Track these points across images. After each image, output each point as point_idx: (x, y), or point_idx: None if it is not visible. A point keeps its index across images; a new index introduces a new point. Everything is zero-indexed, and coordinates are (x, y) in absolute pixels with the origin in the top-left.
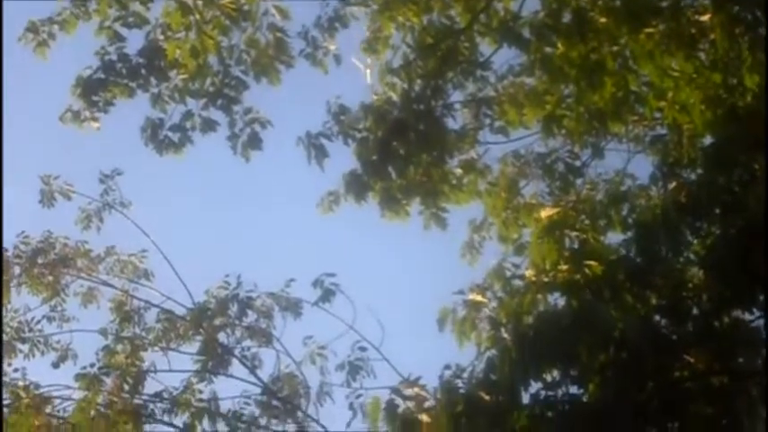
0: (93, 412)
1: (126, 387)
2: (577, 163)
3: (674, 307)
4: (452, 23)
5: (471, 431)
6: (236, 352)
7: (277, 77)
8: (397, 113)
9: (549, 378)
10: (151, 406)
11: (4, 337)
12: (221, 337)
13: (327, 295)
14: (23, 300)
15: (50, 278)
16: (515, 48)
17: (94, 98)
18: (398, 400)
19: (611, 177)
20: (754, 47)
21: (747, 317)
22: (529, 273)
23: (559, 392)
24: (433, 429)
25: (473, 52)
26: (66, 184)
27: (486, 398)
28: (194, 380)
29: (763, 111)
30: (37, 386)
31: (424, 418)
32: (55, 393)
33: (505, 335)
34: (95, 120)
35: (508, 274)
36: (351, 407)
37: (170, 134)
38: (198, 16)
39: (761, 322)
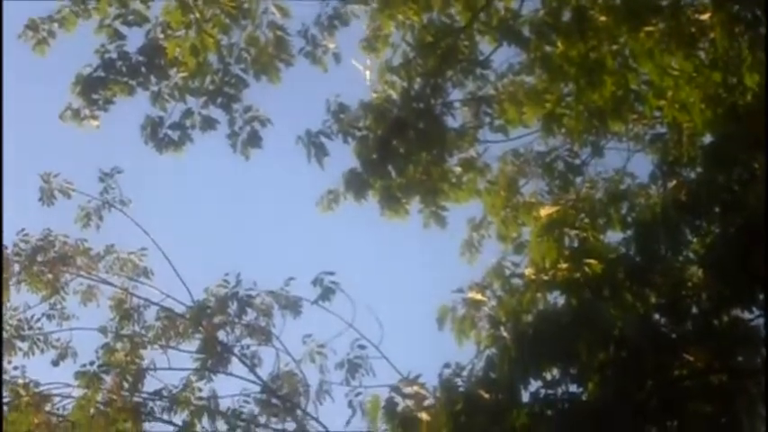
0: (92, 410)
1: (125, 385)
2: (577, 161)
3: (673, 305)
4: (452, 22)
5: (471, 429)
6: (236, 350)
7: (277, 76)
8: (396, 112)
9: (548, 376)
10: (150, 404)
11: (4, 335)
12: (221, 335)
13: (327, 293)
14: (23, 298)
15: (50, 276)
16: (515, 46)
17: (94, 96)
18: (398, 399)
19: (611, 176)
20: (753, 46)
21: (747, 315)
22: (528, 271)
23: (559, 391)
24: (432, 428)
25: (473, 51)
26: (65, 183)
27: (486, 396)
28: (194, 378)
29: (762, 110)
30: (36, 384)
31: (424, 416)
32: (54, 391)
33: (505, 333)
34: (95, 118)
35: (507, 272)
36: (350, 405)
37: (170, 132)
38: (198, 14)
39: (760, 321)
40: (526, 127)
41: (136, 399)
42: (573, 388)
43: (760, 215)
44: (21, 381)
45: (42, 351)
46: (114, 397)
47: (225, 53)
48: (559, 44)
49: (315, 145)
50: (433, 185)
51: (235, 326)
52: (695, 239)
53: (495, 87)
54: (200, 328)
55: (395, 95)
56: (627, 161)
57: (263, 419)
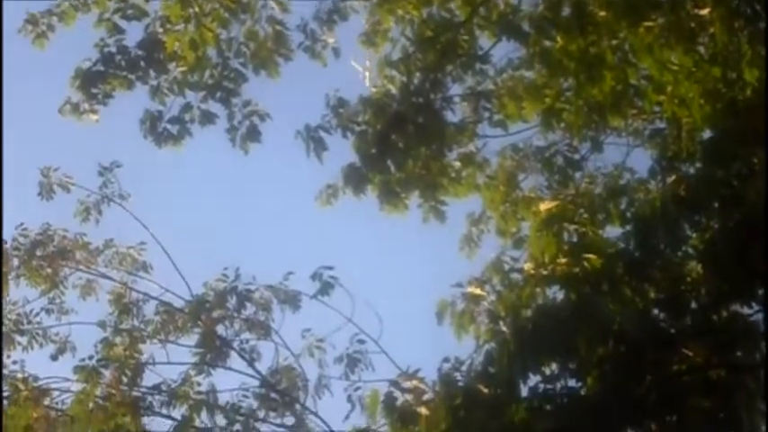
0: (91, 404)
1: (124, 379)
2: (576, 156)
3: (672, 300)
4: (452, 16)
5: (470, 424)
6: (235, 344)
7: (276, 70)
8: (396, 107)
9: (547, 371)
10: (149, 398)
11: (3, 330)
12: (220, 329)
13: (326, 288)
14: (22, 292)
15: (49, 270)
16: (515, 41)
17: (93, 90)
18: (397, 393)
19: (610, 171)
20: (753, 41)
21: (746, 310)
22: (527, 266)
23: (558, 386)
24: (431, 422)
25: (472, 45)
26: (64, 177)
27: (485, 391)
28: (193, 372)
29: (762, 105)
30: (35, 378)
31: (423, 410)
32: (53, 385)
33: (504, 328)
34: (94, 112)
35: (507, 267)
36: (349, 399)
37: (169, 126)
38: (197, 9)
39: (759, 316)
40: (525, 122)
41: (135, 393)
42: (572, 383)
43: (759, 210)
44: (20, 375)
45: (41, 345)
46: (113, 391)
47: (224, 47)
48: (559, 39)
49: (314, 139)
50: (432, 180)
51: (234, 320)
52: (694, 234)
53: (494, 82)
54: (199, 322)
55: (394, 90)
56: (626, 156)
57: (261, 414)
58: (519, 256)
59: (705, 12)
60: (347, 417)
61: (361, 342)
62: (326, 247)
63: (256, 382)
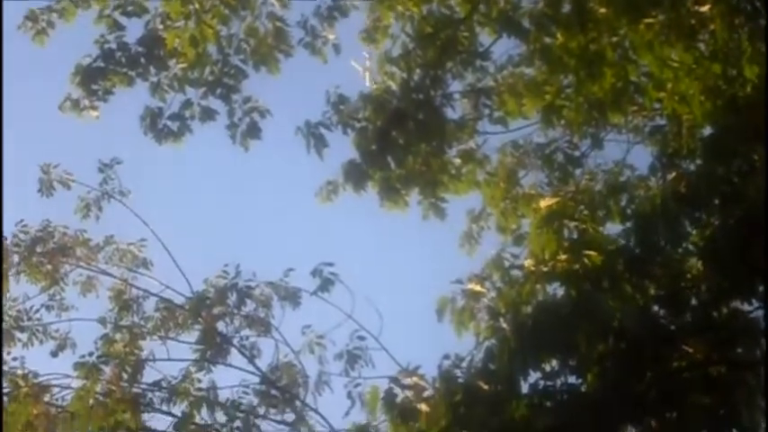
0: (91, 401)
1: (124, 376)
2: (576, 153)
3: (672, 297)
4: (452, 13)
5: (470, 420)
6: (235, 341)
7: (276, 66)
8: (396, 103)
9: (547, 368)
10: (150, 395)
11: (3, 326)
12: (220, 326)
13: (326, 285)
14: (22, 288)
15: (49, 267)
16: (515, 38)
17: (94, 87)
18: (397, 390)
19: (611, 168)
20: (753, 37)
21: (746, 307)
22: (528, 263)
23: (558, 382)
24: (431, 419)
25: (472, 42)
26: (65, 173)
27: (485, 387)
28: (193, 369)
29: (762, 101)
30: (36, 375)
31: (423, 407)
32: (54, 382)
33: (504, 325)
34: (94, 108)
35: (507, 263)
36: (349, 396)
37: (169, 123)
38: (197, 5)
39: (759, 313)
40: (526, 119)
41: (135, 390)
42: (572, 379)
43: (759, 207)
44: (20, 372)
45: (41, 342)
46: (113, 388)
47: (224, 44)
48: (559, 36)
49: (314, 136)
50: (432, 177)
51: (234, 317)
52: (695, 231)
53: (494, 79)
54: (200, 319)
55: (394, 87)
56: (626, 153)
57: (262, 410)
58: (519, 252)
59: (705, 8)
60: (347, 413)
61: (362, 339)
62: (327, 243)
63: (256, 379)
